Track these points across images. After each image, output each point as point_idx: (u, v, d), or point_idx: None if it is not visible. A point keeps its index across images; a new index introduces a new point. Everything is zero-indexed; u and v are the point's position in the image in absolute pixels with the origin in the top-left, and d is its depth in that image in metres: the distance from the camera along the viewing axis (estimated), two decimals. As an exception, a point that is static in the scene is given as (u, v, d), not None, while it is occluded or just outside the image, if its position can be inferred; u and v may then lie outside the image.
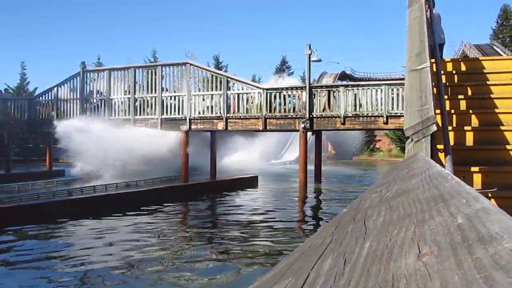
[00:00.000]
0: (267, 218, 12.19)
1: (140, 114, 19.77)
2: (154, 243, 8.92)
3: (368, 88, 16.57)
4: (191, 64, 19.37)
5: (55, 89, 21.66)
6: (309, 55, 17.60)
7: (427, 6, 6.21)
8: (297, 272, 1.03)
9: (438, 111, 5.28)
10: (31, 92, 41.33)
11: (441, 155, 5.22)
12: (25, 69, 47.58)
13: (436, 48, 6.58)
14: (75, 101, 21.23)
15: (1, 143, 23.53)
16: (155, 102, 19.49)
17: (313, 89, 17.36)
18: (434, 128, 4.59)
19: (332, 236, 1.45)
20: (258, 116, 17.74)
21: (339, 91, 16.92)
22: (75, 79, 21.33)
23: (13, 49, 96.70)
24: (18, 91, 44.19)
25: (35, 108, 22.11)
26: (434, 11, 7.39)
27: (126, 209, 12.27)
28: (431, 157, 4.14)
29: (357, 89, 16.79)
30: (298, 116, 17.19)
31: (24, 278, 6.65)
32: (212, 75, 19.14)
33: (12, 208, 11.06)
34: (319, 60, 33.42)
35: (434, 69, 5.97)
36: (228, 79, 18.79)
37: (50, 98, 21.92)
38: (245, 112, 18.14)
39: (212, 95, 18.65)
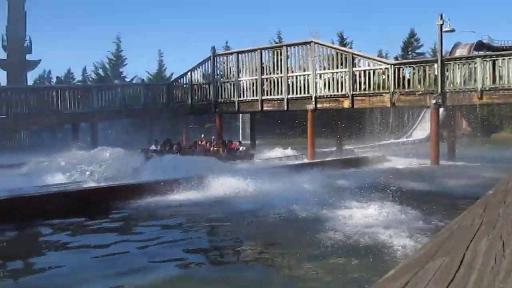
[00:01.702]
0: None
1: (267, 95, 20.33)
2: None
3: (510, 58, 15.08)
4: (315, 43, 19.33)
5: (189, 73, 23.17)
6: (441, 25, 16.50)
7: None
8: (450, 251, 1.06)
9: None
10: (168, 78, 44.68)
11: None
12: (162, 56, 51.57)
13: None
14: (207, 85, 22.54)
15: (144, 125, 25.92)
16: (281, 82, 19.86)
17: (445, 62, 16.29)
18: None
19: (482, 218, 1.44)
20: (386, 92, 17.18)
21: (475, 63, 15.66)
22: (206, 63, 22.58)
23: (151, 40, 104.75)
24: (157, 77, 48.08)
25: (173, 92, 23.91)
26: None
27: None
28: None
29: (497, 59, 15.37)
30: (429, 91, 16.29)
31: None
32: (337, 53, 18.92)
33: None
34: (452, 30, 31.03)
35: None
36: (354, 55, 18.43)
37: (185, 82, 23.54)
38: (372, 89, 17.69)
39: (337, 72, 18.48)
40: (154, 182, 11.34)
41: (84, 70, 53.53)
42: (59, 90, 20.83)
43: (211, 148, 18.11)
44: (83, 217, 9.14)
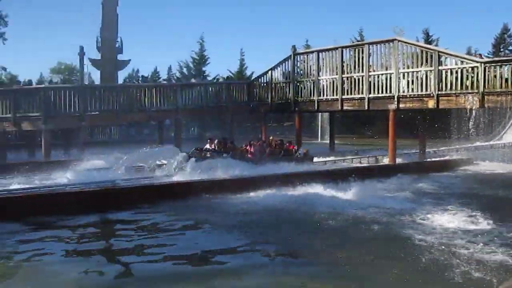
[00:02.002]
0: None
1: (347, 94, 20.06)
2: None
3: None
4: (398, 41, 18.75)
5: (269, 72, 23.43)
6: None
7: None
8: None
9: None
10: (248, 76, 45.48)
11: None
12: (243, 55, 52.59)
13: None
14: (287, 83, 22.68)
15: (224, 123, 26.57)
16: (362, 81, 19.50)
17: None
18: None
19: None
20: (475, 92, 16.28)
21: None
22: (286, 62, 22.72)
23: (233, 39, 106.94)
24: (238, 75, 49.12)
25: (253, 91, 24.31)
26: None
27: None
28: None
29: None
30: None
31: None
32: (421, 50, 18.21)
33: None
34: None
35: None
36: (440, 53, 17.65)
37: (265, 81, 23.84)
38: (459, 88, 16.84)
39: (422, 71, 17.81)
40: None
41: (170, 69, 55.94)
42: (146, 89, 21.92)
43: (268, 149, 16.95)
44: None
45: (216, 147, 16.16)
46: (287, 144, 17.75)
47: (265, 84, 23.82)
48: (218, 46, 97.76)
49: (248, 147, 16.69)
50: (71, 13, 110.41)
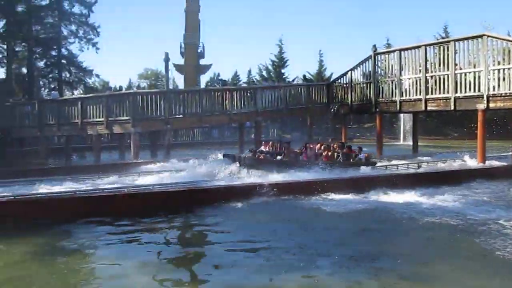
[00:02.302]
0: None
1: (431, 94, 19.31)
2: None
3: None
4: (488, 36, 17.74)
5: (349, 73, 23.15)
6: None
7: None
8: None
9: None
10: (328, 78, 45.15)
11: None
12: (322, 56, 52.28)
13: None
14: (367, 84, 22.27)
15: (304, 124, 26.61)
16: (448, 79, 18.68)
17: None
18: None
19: None
20: None
21: None
22: (367, 62, 22.31)
23: (312, 40, 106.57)
24: (317, 77, 48.93)
25: (333, 92, 24.14)
26: None
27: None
28: None
29: None
30: None
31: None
32: (515, 46, 17.11)
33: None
34: None
35: None
36: (538, 48, 16.48)
37: (344, 81, 23.59)
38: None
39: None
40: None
41: (249, 72, 56.97)
42: (227, 92, 22.53)
43: (325, 153, 15.67)
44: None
45: (271, 148, 16.46)
46: (347, 148, 16.38)
47: (345, 85, 23.56)
48: (297, 47, 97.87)
49: (304, 150, 16.14)
50: (157, 22, 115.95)
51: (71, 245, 7.83)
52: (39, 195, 10.60)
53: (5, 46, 35.68)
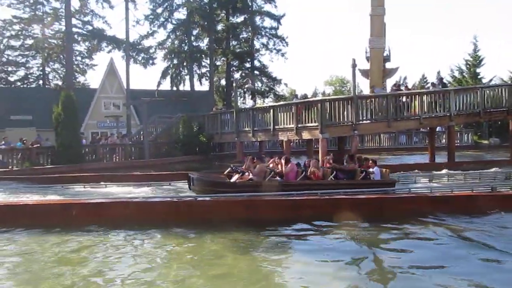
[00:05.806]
0: None
1: None
2: None
3: None
4: None
5: None
6: None
7: None
8: None
9: None
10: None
11: None
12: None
13: None
14: None
15: (505, 129, 23.86)
16: None
17: None
18: None
19: None
20: None
21: None
22: None
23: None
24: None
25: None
26: None
27: None
28: None
29: None
30: None
31: None
32: None
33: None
34: None
35: None
36: None
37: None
38: None
39: None
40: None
41: (438, 73, 53.63)
42: (417, 96, 21.53)
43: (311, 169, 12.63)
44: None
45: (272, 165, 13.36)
46: (353, 163, 12.96)
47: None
48: (495, 44, 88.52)
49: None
50: (342, 28, 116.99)
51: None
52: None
53: (208, 61, 40.32)
